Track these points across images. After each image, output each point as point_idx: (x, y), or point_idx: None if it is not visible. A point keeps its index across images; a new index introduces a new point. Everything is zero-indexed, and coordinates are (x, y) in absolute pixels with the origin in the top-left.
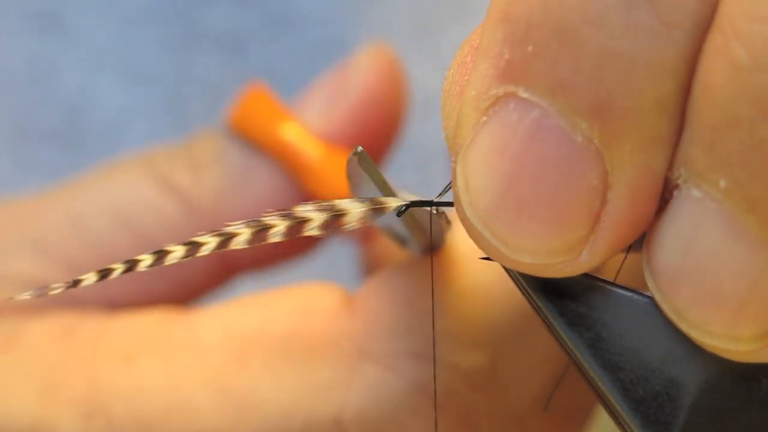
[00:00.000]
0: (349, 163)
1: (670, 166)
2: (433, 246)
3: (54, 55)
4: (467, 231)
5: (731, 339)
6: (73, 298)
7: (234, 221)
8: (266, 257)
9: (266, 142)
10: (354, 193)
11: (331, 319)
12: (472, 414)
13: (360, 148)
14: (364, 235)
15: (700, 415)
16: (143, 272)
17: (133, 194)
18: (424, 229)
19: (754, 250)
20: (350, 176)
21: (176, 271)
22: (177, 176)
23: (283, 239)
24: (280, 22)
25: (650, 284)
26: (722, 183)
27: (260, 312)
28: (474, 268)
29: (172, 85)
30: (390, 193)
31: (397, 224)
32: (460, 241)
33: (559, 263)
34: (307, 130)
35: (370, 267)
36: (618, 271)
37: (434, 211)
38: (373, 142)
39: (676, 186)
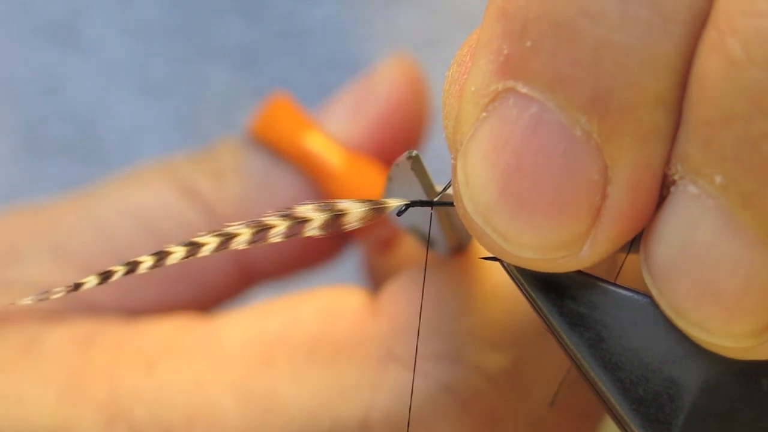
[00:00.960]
0: (397, 165)
1: (668, 161)
2: (460, 245)
3: (67, 68)
4: (468, 227)
5: (728, 335)
6: (93, 305)
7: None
8: (287, 265)
9: (288, 150)
10: (388, 196)
11: (356, 321)
12: (497, 414)
13: (415, 152)
14: (383, 243)
15: (700, 415)
16: (164, 280)
17: (155, 200)
18: (454, 227)
19: (750, 247)
20: (391, 178)
21: (197, 279)
22: (199, 183)
23: (284, 239)
24: (292, 36)
25: (647, 280)
26: (718, 179)
27: (284, 314)
28: (499, 269)
29: (184, 98)
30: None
31: (425, 223)
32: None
33: (560, 258)
34: (328, 138)
35: (383, 276)
36: (619, 271)
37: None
38: (395, 151)
39: (673, 182)
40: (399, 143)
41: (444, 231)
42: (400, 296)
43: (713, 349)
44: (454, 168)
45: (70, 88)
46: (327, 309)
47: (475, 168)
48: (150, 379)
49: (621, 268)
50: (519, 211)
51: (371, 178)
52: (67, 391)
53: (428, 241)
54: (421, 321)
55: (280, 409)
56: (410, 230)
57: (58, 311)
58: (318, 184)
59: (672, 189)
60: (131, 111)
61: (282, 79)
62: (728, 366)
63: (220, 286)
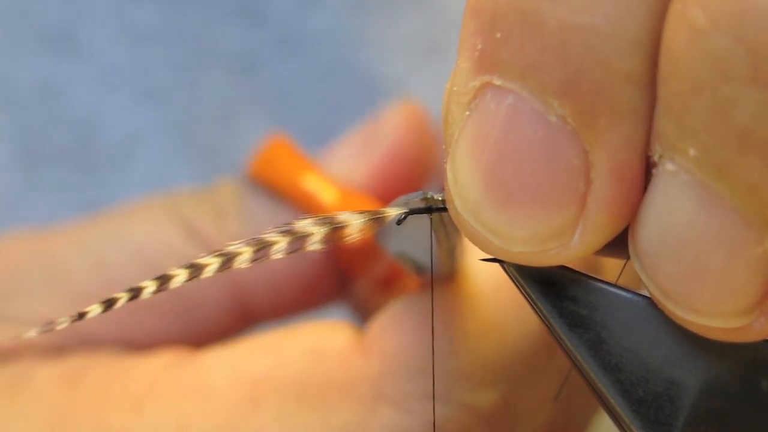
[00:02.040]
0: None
1: (649, 143)
2: (451, 271)
3: (65, 74)
4: (461, 228)
5: (717, 315)
6: (90, 338)
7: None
8: (286, 306)
9: (287, 191)
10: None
11: (344, 361)
12: None
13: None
14: (383, 282)
15: (700, 416)
16: (162, 315)
17: (155, 237)
18: (450, 249)
19: (729, 220)
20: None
21: (195, 316)
22: (200, 221)
23: (285, 255)
24: (291, 42)
25: (636, 267)
26: (691, 151)
27: (271, 354)
28: (486, 305)
29: (182, 105)
30: (452, 253)
31: (416, 250)
32: (471, 277)
33: (551, 249)
34: (327, 178)
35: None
36: (620, 273)
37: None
38: (398, 195)
39: (655, 164)
40: (402, 187)
41: (441, 245)
42: (389, 333)
43: (704, 332)
44: (446, 171)
45: (68, 94)
46: (314, 348)
47: (462, 166)
48: (136, 421)
49: (622, 269)
50: (505, 204)
51: None
52: (53, 431)
53: (431, 253)
54: (411, 360)
55: None
56: (400, 258)
57: (52, 345)
58: None
59: (653, 171)
60: (130, 117)
61: (280, 86)
62: (728, 367)
63: (218, 324)
